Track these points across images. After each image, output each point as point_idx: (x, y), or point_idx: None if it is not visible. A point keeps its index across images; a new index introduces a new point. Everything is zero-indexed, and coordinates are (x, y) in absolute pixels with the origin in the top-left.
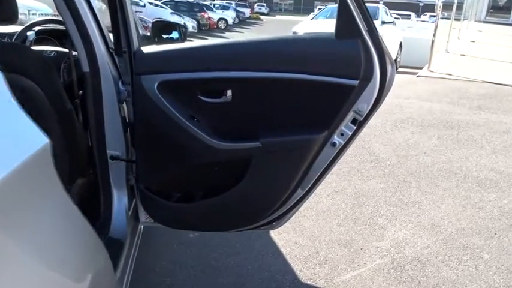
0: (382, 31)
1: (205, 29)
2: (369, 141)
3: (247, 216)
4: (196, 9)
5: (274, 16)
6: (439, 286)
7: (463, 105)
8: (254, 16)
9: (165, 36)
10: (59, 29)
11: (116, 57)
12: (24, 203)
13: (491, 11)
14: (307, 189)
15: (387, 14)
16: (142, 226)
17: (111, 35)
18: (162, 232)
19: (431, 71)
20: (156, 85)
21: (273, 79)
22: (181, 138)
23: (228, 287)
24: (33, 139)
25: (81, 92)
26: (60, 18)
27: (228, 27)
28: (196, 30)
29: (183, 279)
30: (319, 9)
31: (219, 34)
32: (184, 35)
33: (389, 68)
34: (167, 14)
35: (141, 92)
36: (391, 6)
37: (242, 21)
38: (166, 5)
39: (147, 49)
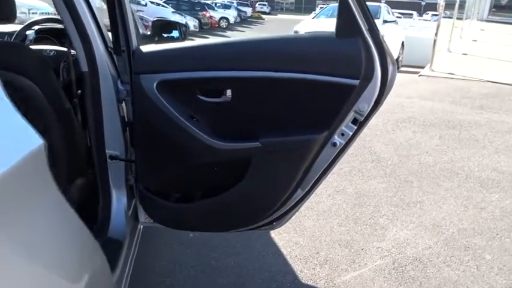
0: (384, 30)
1: (207, 28)
2: (370, 141)
3: (247, 217)
4: (197, 8)
5: (276, 15)
6: (440, 287)
7: (465, 105)
8: (256, 15)
9: (165, 35)
10: (58, 28)
11: (114, 56)
12: (17, 204)
13: (494, 10)
14: (307, 189)
15: (389, 13)
16: (141, 226)
17: (110, 33)
18: (161, 232)
19: (433, 70)
20: (155, 84)
21: (272, 79)
22: (181, 138)
23: (228, 287)
24: (27, 140)
25: (80, 91)
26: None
27: (230, 26)
28: (197, 29)
29: (183, 280)
30: (321, 8)
31: (221, 33)
32: (184, 34)
33: (390, 67)
34: (169, 13)
35: (140, 91)
36: (393, 5)
37: (244, 20)
38: (168, 4)
39: (146, 48)
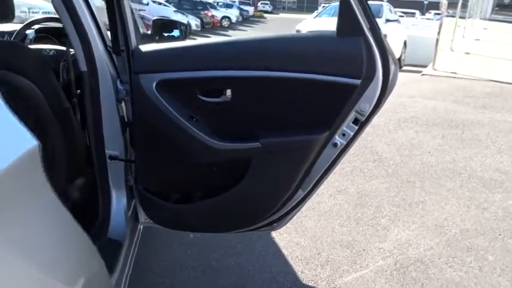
0: (386, 29)
1: (209, 27)
2: (372, 141)
3: (247, 217)
4: (199, 8)
5: (278, 14)
6: None
7: (467, 104)
8: (258, 14)
9: (166, 35)
10: (58, 27)
11: (114, 56)
12: (9, 206)
13: (497, 8)
14: (308, 190)
15: (391, 12)
16: (141, 226)
17: (109, 33)
18: (162, 232)
19: (435, 70)
20: (154, 84)
21: (273, 78)
22: (180, 138)
23: None
24: (20, 141)
25: (79, 91)
26: None
27: (232, 26)
28: (199, 29)
29: (183, 280)
30: (323, 7)
31: (223, 32)
32: (184, 33)
33: (392, 66)
34: (170, 12)
35: (139, 91)
36: (395, 4)
37: (246, 20)
38: (170, 3)
39: (146, 48)
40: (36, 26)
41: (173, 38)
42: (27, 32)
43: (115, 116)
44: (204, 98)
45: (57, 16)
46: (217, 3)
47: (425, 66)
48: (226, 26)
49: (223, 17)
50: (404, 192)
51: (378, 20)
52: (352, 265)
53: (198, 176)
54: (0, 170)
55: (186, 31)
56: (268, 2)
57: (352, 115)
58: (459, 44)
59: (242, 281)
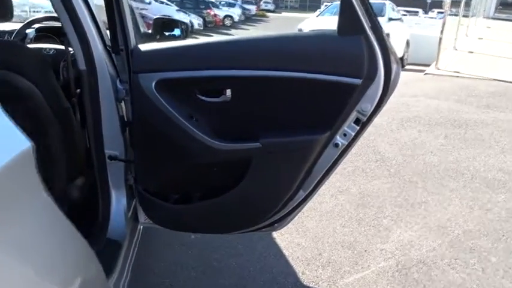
0: (389, 28)
1: (211, 26)
2: (374, 140)
3: (248, 218)
4: (201, 7)
5: (280, 13)
6: None
7: (470, 104)
8: (260, 13)
9: (167, 34)
10: (59, 26)
11: (113, 55)
12: (2, 208)
13: (500, 7)
14: (309, 190)
15: (394, 11)
16: (141, 227)
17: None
18: (162, 233)
19: (438, 69)
20: (153, 84)
21: (273, 78)
22: (180, 139)
23: None
24: (13, 142)
25: (78, 90)
26: None
27: (234, 25)
28: (202, 28)
29: (184, 281)
30: (326, 6)
31: (225, 31)
32: (185, 32)
33: (394, 66)
34: (173, 11)
35: (138, 90)
36: (398, 2)
37: (248, 18)
38: (172, 2)
39: (145, 47)
40: (37, 25)
41: (174, 37)
42: (28, 31)
43: (114, 116)
44: (203, 98)
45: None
46: (220, 2)
47: (428, 65)
48: (229, 25)
49: (226, 16)
50: (406, 193)
51: (380, 18)
52: (354, 266)
53: (197, 177)
54: None
55: (186, 30)
56: (271, 1)
57: (353, 115)
58: (462, 42)
59: (243, 282)
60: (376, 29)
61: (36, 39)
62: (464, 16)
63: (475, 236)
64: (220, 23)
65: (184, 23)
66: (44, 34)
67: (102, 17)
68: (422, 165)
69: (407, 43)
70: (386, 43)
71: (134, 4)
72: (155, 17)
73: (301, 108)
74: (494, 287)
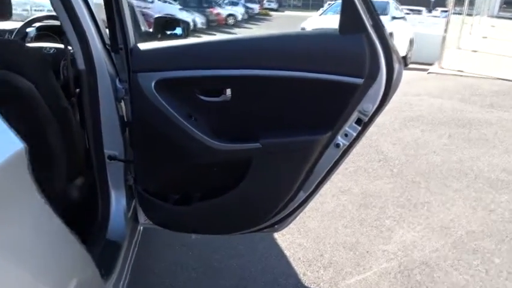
0: (393, 27)
1: (214, 25)
2: (377, 140)
3: (248, 219)
4: (204, 5)
5: (283, 12)
6: None
7: (474, 103)
8: (263, 12)
9: (168, 33)
10: (59, 25)
11: (112, 54)
12: None
13: (504, 6)
14: (310, 191)
15: (397, 9)
16: (141, 227)
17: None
18: (162, 233)
19: (442, 68)
20: (153, 83)
21: (273, 77)
22: (179, 139)
23: None
24: (5, 144)
25: (78, 89)
26: None
27: (237, 23)
28: (205, 27)
29: (184, 281)
30: (329, 4)
31: (228, 30)
32: (186, 31)
33: (396, 65)
34: (176, 10)
35: (137, 90)
36: (401, 1)
37: (251, 17)
38: (175, 0)
39: (144, 46)
40: (37, 24)
41: (175, 36)
42: (28, 30)
43: (114, 116)
44: (203, 98)
45: None
46: (223, 1)
47: (431, 64)
48: (232, 23)
49: (229, 15)
50: (409, 193)
51: (383, 17)
52: (356, 267)
53: (197, 177)
54: None
55: (188, 29)
56: (274, 0)
57: (354, 115)
58: (466, 41)
59: (244, 283)
60: (378, 27)
61: (37, 38)
62: (468, 15)
63: (479, 237)
64: (223, 22)
65: (185, 22)
66: (44, 33)
67: (102, 15)
68: (426, 165)
69: (411, 42)
70: (388, 41)
71: (137, 3)
72: (156, 16)
73: (302, 108)
74: None
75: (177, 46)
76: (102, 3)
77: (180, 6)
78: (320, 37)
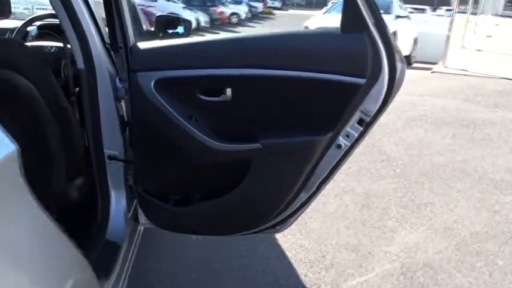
0: (396, 25)
1: (218, 23)
2: (380, 140)
3: (249, 220)
4: (208, 4)
5: (287, 10)
6: None
7: (478, 103)
8: (266, 11)
9: (170, 32)
10: None
11: (112, 53)
12: None
13: (509, 4)
14: (311, 192)
15: (401, 8)
16: (142, 227)
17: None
18: (163, 233)
19: (446, 67)
20: (152, 83)
21: (274, 77)
22: (179, 139)
23: None
24: None
25: (77, 89)
26: None
27: (241, 22)
28: (208, 25)
29: (184, 282)
30: (333, 3)
31: (231, 29)
32: (189, 30)
33: (398, 65)
34: (179, 9)
35: (137, 90)
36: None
37: (254, 16)
38: None
39: (144, 45)
40: (39, 23)
41: (177, 35)
42: (29, 28)
43: (114, 115)
44: (203, 97)
45: None
46: (226, 0)
47: (435, 63)
48: (235, 22)
49: (232, 14)
50: (412, 193)
51: (387, 16)
52: (358, 269)
53: (197, 177)
54: None
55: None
56: None
57: (356, 115)
58: (470, 40)
59: (244, 284)
60: (380, 25)
61: (38, 37)
62: (472, 13)
63: (482, 238)
64: (226, 21)
65: (187, 21)
66: (46, 32)
67: (101, 14)
68: (429, 165)
69: (415, 41)
70: (391, 40)
71: (140, 1)
72: (157, 15)
73: (303, 108)
74: None
75: (177, 45)
76: (102, 1)
77: (183, 5)
78: (321, 36)
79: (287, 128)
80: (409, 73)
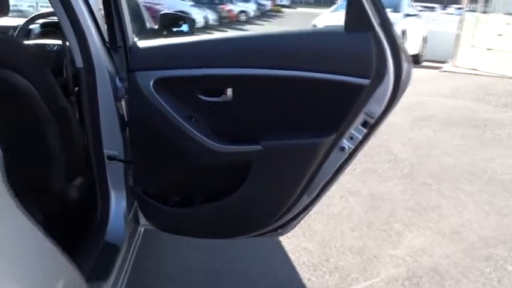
0: (405, 24)
1: (226, 21)
2: (387, 140)
3: (250, 223)
4: (216, 2)
5: (295, 8)
6: None
7: (489, 103)
8: (275, 8)
9: (174, 30)
10: None
11: (112, 52)
12: None
13: None
14: (314, 195)
15: (410, 6)
16: (142, 228)
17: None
18: (163, 234)
19: (455, 66)
20: (151, 82)
21: (275, 77)
22: (179, 140)
23: None
24: None
25: (77, 88)
26: None
27: (249, 20)
28: (217, 23)
29: (185, 285)
30: (341, 1)
31: (240, 27)
32: (193, 28)
33: (404, 64)
34: (187, 7)
35: (136, 89)
36: None
37: (263, 14)
38: None
39: (143, 44)
40: (41, 21)
41: (181, 33)
42: (32, 26)
43: (113, 115)
44: (203, 98)
45: None
46: None
47: (445, 62)
48: (244, 20)
49: (241, 12)
50: (419, 196)
51: (396, 14)
52: (362, 273)
53: (197, 179)
54: None
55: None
56: None
57: (360, 117)
58: (481, 39)
59: (246, 287)
60: (386, 25)
61: (41, 35)
62: (483, 12)
63: (491, 243)
64: (235, 18)
65: (191, 19)
66: (48, 30)
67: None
68: (437, 166)
69: (424, 39)
70: (396, 40)
71: None
72: (161, 13)
73: (305, 109)
74: None
75: (177, 44)
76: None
77: (191, 3)
78: (324, 35)
79: (289, 129)
80: (418, 72)
